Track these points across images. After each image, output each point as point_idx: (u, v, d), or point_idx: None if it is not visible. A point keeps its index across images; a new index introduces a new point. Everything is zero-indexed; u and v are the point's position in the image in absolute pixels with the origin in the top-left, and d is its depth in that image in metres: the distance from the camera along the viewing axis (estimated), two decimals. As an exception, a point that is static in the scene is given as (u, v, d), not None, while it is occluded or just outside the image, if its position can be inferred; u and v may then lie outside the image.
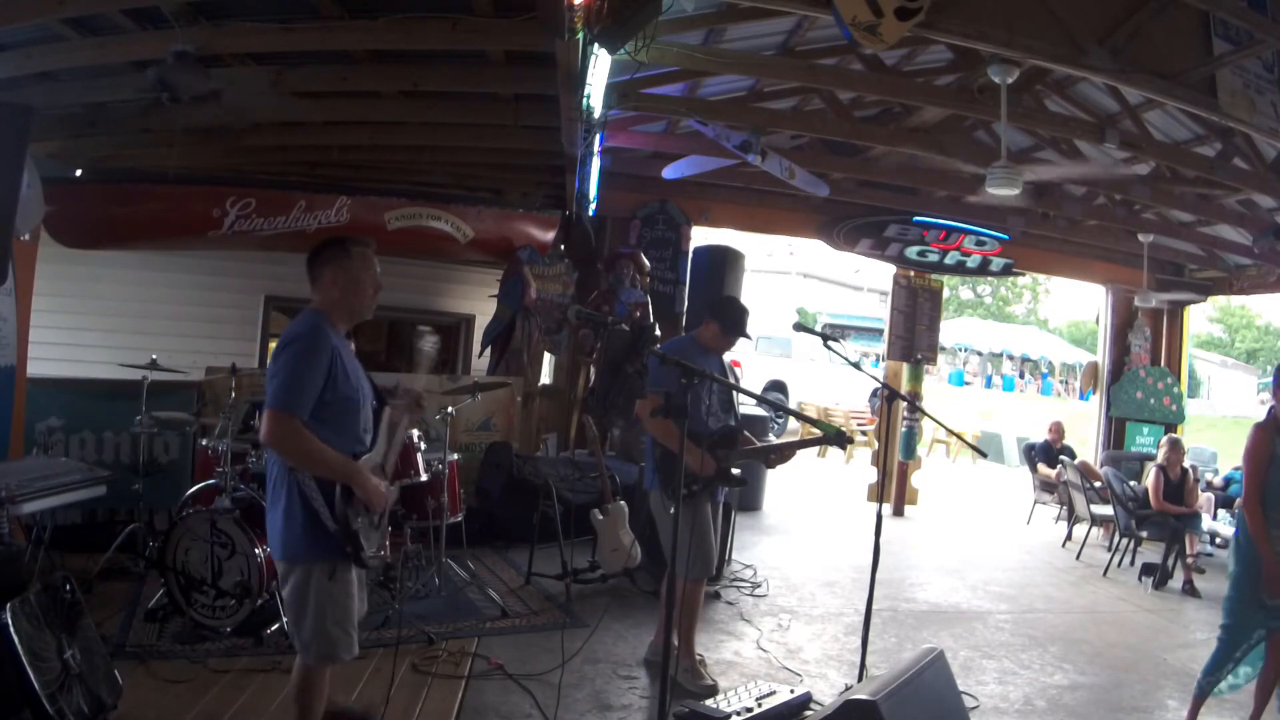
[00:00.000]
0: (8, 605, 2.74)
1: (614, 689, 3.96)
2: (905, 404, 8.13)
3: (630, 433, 6.87)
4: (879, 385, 4.91)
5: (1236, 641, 3.73)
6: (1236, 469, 8.92)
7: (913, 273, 9.41)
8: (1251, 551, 3.64)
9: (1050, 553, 8.07)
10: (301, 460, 2.65)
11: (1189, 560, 6.94)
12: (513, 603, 5.01)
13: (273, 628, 4.05)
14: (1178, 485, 7.26)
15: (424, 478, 4.88)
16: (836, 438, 3.92)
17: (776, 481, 8.81)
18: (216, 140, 6.54)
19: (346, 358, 2.79)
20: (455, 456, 5.34)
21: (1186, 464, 7.53)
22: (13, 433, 4.89)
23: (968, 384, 28.41)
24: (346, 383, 2.74)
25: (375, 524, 2.83)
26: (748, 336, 4.19)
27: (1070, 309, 36.28)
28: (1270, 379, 3.94)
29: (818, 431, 4.70)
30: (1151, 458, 8.70)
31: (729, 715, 3.37)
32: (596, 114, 5.77)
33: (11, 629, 2.70)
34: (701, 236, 9.00)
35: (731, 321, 4.10)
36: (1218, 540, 8.15)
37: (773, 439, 10.30)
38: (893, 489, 9.22)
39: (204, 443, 4.91)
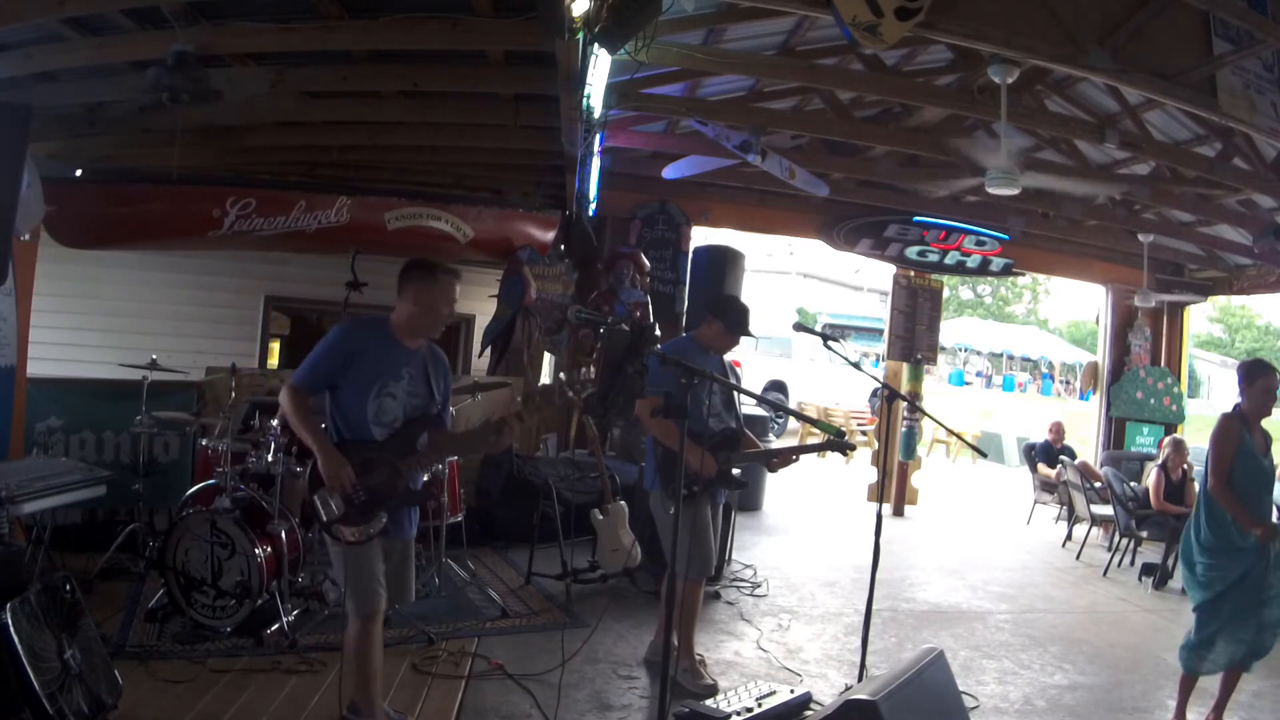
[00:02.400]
0: (8, 605, 2.74)
1: (614, 689, 3.96)
2: (905, 404, 8.13)
3: (630, 433, 6.87)
4: (879, 385, 4.91)
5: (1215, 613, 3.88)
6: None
7: (913, 273, 9.41)
8: (1210, 532, 3.83)
9: (1050, 553, 8.07)
10: (290, 419, 3.10)
11: (1189, 560, 6.92)
12: (513, 603, 5.01)
13: (273, 628, 4.05)
14: (1178, 485, 7.25)
15: (424, 478, 4.86)
16: (838, 441, 3.91)
17: (776, 482, 8.79)
18: (216, 140, 6.53)
19: (385, 361, 3.09)
20: (455, 456, 5.33)
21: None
22: (13, 433, 4.88)
23: (968, 384, 28.40)
24: (364, 378, 3.06)
25: (353, 499, 3.02)
26: (751, 335, 4.19)
27: (1070, 309, 36.31)
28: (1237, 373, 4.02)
29: (818, 431, 4.68)
30: (1152, 458, 8.70)
31: (729, 715, 3.37)
32: (596, 114, 5.76)
33: (11, 629, 2.70)
34: (701, 236, 9.01)
35: (735, 320, 4.10)
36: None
37: (772, 439, 10.33)
38: (893, 489, 9.21)
39: (204, 443, 4.91)
